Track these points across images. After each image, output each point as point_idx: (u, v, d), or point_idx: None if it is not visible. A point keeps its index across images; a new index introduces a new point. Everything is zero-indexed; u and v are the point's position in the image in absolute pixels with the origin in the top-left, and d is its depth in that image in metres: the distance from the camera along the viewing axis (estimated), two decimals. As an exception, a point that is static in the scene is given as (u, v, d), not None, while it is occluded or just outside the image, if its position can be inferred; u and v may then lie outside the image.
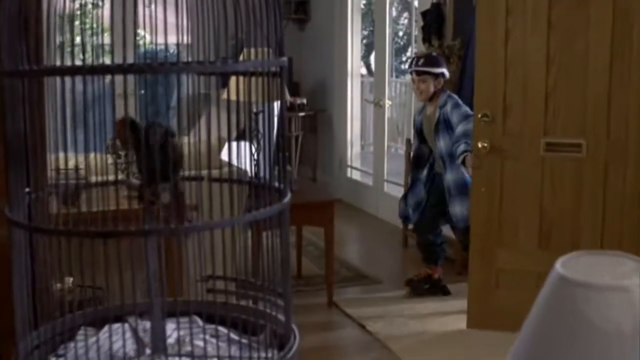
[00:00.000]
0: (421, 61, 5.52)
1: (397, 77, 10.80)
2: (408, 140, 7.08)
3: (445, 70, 5.53)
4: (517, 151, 4.71)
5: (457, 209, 5.42)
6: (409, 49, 13.32)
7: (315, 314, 5.25)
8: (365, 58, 9.49)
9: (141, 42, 2.15)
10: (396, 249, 6.87)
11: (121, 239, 1.70)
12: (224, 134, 1.84)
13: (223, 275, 2.00)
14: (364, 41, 9.33)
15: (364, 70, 9.46)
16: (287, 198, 1.75)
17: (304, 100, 8.71)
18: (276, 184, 1.84)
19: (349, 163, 8.86)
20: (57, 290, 2.21)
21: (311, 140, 9.12)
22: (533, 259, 4.65)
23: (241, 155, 1.82)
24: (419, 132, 5.73)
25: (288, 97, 6.21)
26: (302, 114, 8.70)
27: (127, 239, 1.75)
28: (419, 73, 5.49)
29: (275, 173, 1.86)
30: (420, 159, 5.79)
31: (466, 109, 5.35)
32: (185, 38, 1.77)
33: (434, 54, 5.83)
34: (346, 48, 8.75)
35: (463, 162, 5.20)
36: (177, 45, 1.89)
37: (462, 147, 5.17)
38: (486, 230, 4.81)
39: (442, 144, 5.42)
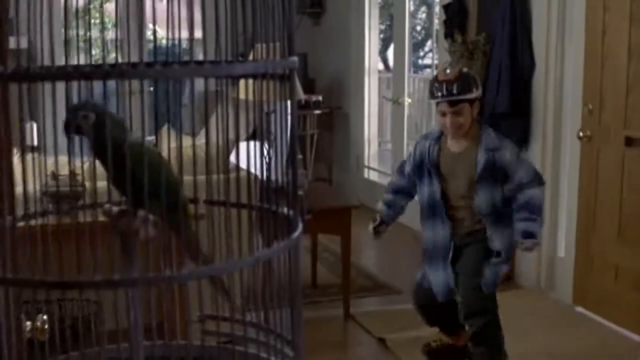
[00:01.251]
0: (454, 87, 3.78)
1: (415, 72, 10.47)
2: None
3: (480, 92, 3.91)
4: (605, 143, 4.92)
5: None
6: (427, 44, 13.02)
7: (331, 328, 4.91)
8: (381, 53, 9.15)
9: (152, 37, 1.86)
10: (416, 255, 6.50)
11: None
12: (234, 135, 1.52)
13: (220, 316, 1.68)
14: (381, 36, 9.00)
15: (381, 66, 9.14)
16: (299, 231, 1.41)
17: (320, 98, 8.36)
18: (285, 210, 1.51)
19: (366, 163, 8.54)
20: (27, 330, 1.91)
21: (327, 138, 8.79)
22: (612, 250, 4.87)
23: (252, 158, 1.48)
24: (423, 168, 4.02)
25: (302, 95, 5.86)
26: (317, 111, 8.35)
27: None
28: (452, 103, 3.81)
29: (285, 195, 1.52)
30: (395, 208, 4.22)
31: (530, 161, 4.05)
32: (196, 33, 1.49)
33: (464, 70, 3.95)
34: (363, 43, 8.43)
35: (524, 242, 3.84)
36: (191, 41, 1.58)
37: (532, 227, 3.80)
38: (586, 219, 5.08)
39: (483, 198, 3.85)
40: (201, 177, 1.56)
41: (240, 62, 1.37)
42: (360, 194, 8.10)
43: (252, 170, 1.45)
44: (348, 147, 8.72)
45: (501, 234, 3.91)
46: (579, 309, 5.08)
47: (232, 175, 1.60)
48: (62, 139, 1.46)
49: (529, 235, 3.79)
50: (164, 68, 1.20)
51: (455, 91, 3.79)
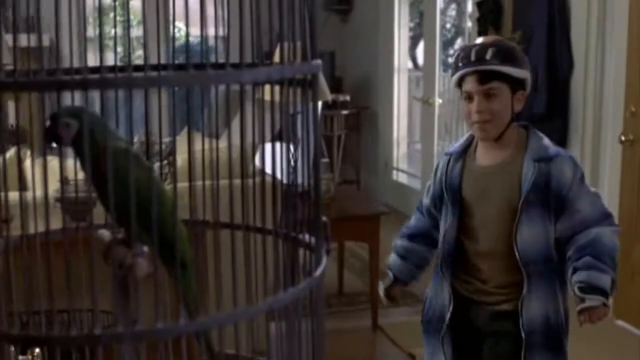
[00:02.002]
0: (489, 52, 2.54)
1: (445, 71, 10.22)
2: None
3: (528, 76, 2.66)
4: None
5: None
6: (457, 42, 12.74)
7: (358, 340, 4.69)
8: (410, 51, 8.91)
9: (178, 35, 1.65)
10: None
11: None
12: (258, 137, 1.30)
13: None
14: (410, 33, 8.77)
15: (410, 64, 8.90)
16: (322, 266, 1.19)
17: (347, 97, 8.14)
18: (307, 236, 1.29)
19: (394, 165, 8.29)
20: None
21: (354, 139, 8.56)
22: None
23: (276, 161, 1.26)
24: (443, 197, 2.77)
25: (329, 96, 5.63)
26: (344, 111, 8.12)
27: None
28: (484, 77, 2.57)
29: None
30: (420, 261, 2.93)
31: (597, 192, 2.73)
32: (221, 30, 1.32)
33: (510, 44, 2.73)
34: (392, 41, 8.19)
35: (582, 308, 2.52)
36: (216, 38, 1.38)
37: (598, 279, 2.50)
38: (627, 227, 4.62)
39: (530, 235, 2.57)
40: (224, 182, 1.34)
41: (265, 66, 1.15)
42: (388, 197, 7.87)
43: (277, 173, 1.22)
44: (376, 149, 8.48)
45: (548, 300, 2.61)
46: (620, 322, 4.82)
47: (250, 180, 1.37)
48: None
49: (593, 289, 2.48)
50: (178, 74, 0.99)
51: (489, 56, 2.52)
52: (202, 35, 1.30)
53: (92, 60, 1.38)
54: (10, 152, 3.62)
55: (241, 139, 1.15)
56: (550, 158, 2.60)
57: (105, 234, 1.34)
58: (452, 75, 2.66)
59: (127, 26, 1.43)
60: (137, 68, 1.46)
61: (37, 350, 1.75)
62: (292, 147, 1.24)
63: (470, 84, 2.60)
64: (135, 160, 1.21)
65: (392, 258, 2.92)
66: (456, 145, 2.83)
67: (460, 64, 2.61)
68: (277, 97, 1.20)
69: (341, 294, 5.41)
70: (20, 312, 1.28)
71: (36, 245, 1.32)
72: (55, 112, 1.18)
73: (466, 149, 2.76)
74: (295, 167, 1.25)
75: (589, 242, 2.53)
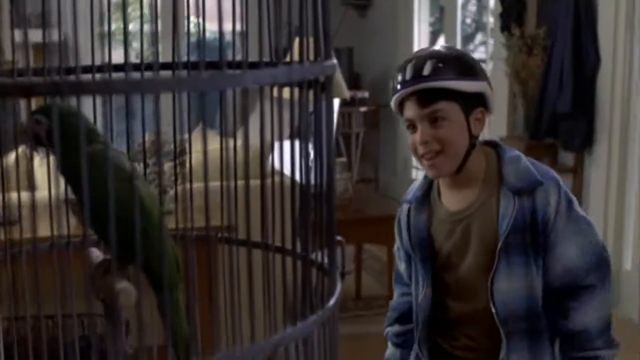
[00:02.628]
0: (428, 66, 2.00)
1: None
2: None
3: (487, 89, 2.08)
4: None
5: None
6: (477, 37, 12.54)
7: (375, 346, 4.52)
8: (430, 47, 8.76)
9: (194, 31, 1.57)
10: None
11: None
12: (275, 136, 1.16)
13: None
14: (430, 29, 8.60)
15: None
16: (336, 295, 1.04)
17: (366, 94, 7.98)
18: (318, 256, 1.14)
19: (413, 163, 8.12)
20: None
21: (373, 137, 8.40)
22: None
23: (293, 160, 1.11)
24: (412, 255, 2.23)
25: (347, 93, 5.47)
26: (363, 108, 7.96)
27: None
28: (424, 98, 2.02)
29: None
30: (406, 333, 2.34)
31: (588, 220, 2.13)
32: (238, 26, 1.23)
33: (455, 48, 2.24)
34: (411, 36, 8.04)
35: None
36: (233, 33, 1.27)
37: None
38: None
39: (508, 286, 2.07)
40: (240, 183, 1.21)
41: (284, 66, 1.01)
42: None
43: (292, 173, 1.07)
44: (395, 146, 8.32)
45: None
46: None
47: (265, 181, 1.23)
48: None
49: None
50: (191, 77, 0.85)
51: (427, 71, 1.99)
52: (220, 31, 1.17)
53: (100, 59, 1.28)
54: (20, 151, 3.49)
55: (261, 140, 1.00)
56: (532, 188, 2.04)
57: (95, 253, 1.20)
58: (391, 96, 2.09)
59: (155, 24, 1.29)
60: (149, 67, 1.34)
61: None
62: (308, 149, 1.10)
63: (410, 110, 2.04)
64: (114, 163, 1.08)
65: (390, 351, 2.39)
66: (414, 188, 2.23)
67: (396, 86, 2.06)
68: (295, 97, 1.06)
69: (359, 298, 5.26)
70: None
71: (38, 253, 1.19)
72: (35, 109, 1.06)
73: (428, 193, 2.19)
74: (311, 168, 1.11)
75: (577, 333, 2.06)
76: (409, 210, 2.20)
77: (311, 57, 1.08)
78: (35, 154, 1.18)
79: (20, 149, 1.55)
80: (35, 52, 1.56)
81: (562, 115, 5.06)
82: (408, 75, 2.02)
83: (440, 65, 2.00)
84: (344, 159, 5.29)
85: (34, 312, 1.26)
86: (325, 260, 1.13)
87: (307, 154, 1.10)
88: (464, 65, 2.03)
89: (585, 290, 2.06)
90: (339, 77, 5.42)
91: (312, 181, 1.08)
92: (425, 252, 2.16)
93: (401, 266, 2.32)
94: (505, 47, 5.74)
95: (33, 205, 1.14)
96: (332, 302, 1.01)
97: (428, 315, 2.18)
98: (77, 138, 0.95)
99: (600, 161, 4.99)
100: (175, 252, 1.18)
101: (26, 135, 1.09)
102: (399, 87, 2.04)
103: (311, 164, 1.09)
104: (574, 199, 2.11)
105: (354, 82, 8.19)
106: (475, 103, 2.06)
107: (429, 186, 2.20)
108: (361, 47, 8.59)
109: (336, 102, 5.18)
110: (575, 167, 5.26)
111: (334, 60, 1.09)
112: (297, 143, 1.07)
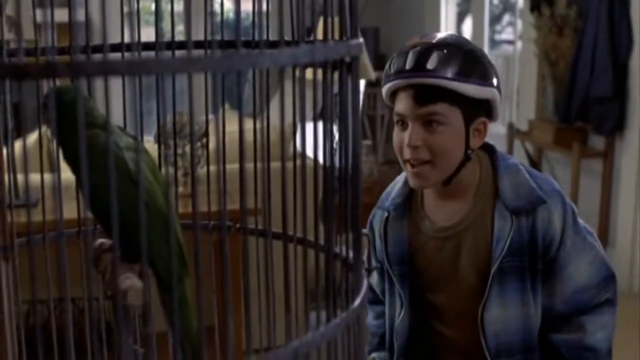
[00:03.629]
0: (433, 57, 1.70)
1: (492, 48, 9.90)
2: (510, 126, 6.17)
3: (496, 96, 1.77)
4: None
5: None
6: (505, 17, 12.36)
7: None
8: (457, 27, 8.62)
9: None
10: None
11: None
12: (298, 117, 1.08)
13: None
14: (457, 9, 8.48)
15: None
16: (362, 294, 0.96)
17: (391, 75, 7.86)
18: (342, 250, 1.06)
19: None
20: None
21: (398, 118, 8.29)
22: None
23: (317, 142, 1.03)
24: (388, 269, 1.92)
25: (372, 74, 5.37)
26: (388, 89, 7.85)
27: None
28: (421, 95, 1.72)
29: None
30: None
31: (592, 237, 1.89)
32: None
33: (470, 45, 1.78)
34: (438, 16, 7.92)
35: None
36: (254, 13, 1.18)
37: None
38: None
39: (501, 315, 1.81)
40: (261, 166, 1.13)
41: (306, 46, 0.93)
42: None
43: (316, 157, 0.99)
44: (420, 128, 8.21)
45: None
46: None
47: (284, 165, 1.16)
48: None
49: None
50: (206, 57, 0.78)
51: (432, 64, 1.70)
52: (237, 10, 1.09)
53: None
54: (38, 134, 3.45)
55: (281, 123, 0.93)
56: (533, 207, 1.78)
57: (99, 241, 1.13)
58: (382, 87, 1.81)
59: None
60: (167, 46, 1.28)
61: None
62: (332, 132, 1.02)
63: (403, 104, 1.75)
64: (117, 157, 1.01)
65: None
66: (391, 193, 1.91)
67: (390, 72, 1.76)
68: (319, 78, 0.98)
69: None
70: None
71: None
72: (23, 102, 0.99)
73: (409, 201, 1.89)
74: (335, 151, 1.03)
75: (582, 348, 1.84)
76: (386, 219, 1.90)
77: (336, 37, 1.00)
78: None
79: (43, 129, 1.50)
80: (60, 32, 1.49)
81: (595, 99, 4.93)
82: (409, 64, 1.71)
83: (449, 59, 1.71)
84: (369, 142, 5.20)
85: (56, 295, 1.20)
86: (350, 254, 1.06)
87: (332, 138, 1.02)
88: (476, 65, 1.74)
89: (601, 307, 1.86)
90: (365, 58, 5.32)
91: (337, 165, 1.00)
92: (405, 269, 1.88)
93: (372, 280, 2.03)
94: (535, 27, 5.61)
95: (58, 187, 1.08)
96: (357, 302, 0.94)
97: (405, 342, 1.92)
98: (75, 122, 0.88)
99: (632, 145, 4.86)
100: (181, 243, 1.10)
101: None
102: (394, 75, 1.75)
103: (335, 147, 1.01)
104: (575, 208, 1.86)
105: (380, 63, 8.08)
106: (480, 111, 1.77)
107: (410, 193, 1.89)
108: (387, 27, 8.48)
109: (361, 83, 5.08)
110: (606, 151, 5.13)
111: (361, 40, 1.01)
112: (320, 126, 0.99)
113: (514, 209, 1.77)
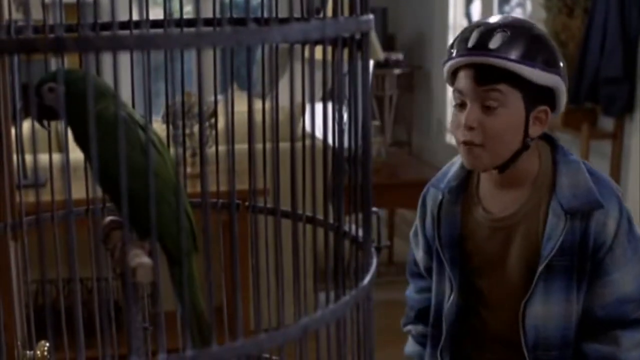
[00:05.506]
0: (497, 38, 1.69)
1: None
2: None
3: (561, 85, 1.74)
4: None
5: None
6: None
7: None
8: (466, 8, 8.56)
9: None
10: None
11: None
12: (307, 97, 1.07)
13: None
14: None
15: (465, 22, 8.55)
16: (371, 272, 0.96)
17: (400, 56, 7.83)
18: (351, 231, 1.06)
19: (448, 127, 8.00)
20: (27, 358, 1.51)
21: (407, 99, 8.26)
22: None
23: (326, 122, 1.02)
24: (432, 252, 1.96)
25: (381, 54, 5.36)
26: (397, 71, 7.82)
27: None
28: (484, 75, 1.71)
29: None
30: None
31: None
32: None
33: (537, 29, 1.77)
34: (448, -4, 7.87)
35: None
36: None
37: None
38: None
39: (543, 311, 1.80)
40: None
41: (316, 21, 0.92)
42: (441, 159, 7.59)
43: (325, 136, 0.98)
44: (429, 109, 8.18)
45: None
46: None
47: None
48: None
49: None
50: (213, 32, 0.77)
51: (495, 44, 1.69)
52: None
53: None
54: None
55: (291, 101, 0.92)
56: (591, 209, 1.74)
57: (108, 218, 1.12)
58: (443, 64, 1.80)
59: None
60: (176, 23, 1.27)
61: (46, 344, 1.56)
62: (342, 110, 1.01)
63: (463, 82, 1.73)
64: (127, 126, 1.00)
65: (414, 349, 2.11)
66: (449, 174, 1.90)
67: (453, 51, 1.76)
68: (329, 56, 0.97)
69: (391, 263, 5.19)
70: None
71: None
72: (39, 80, 0.99)
73: (464, 185, 1.88)
74: (344, 130, 1.02)
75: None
76: (441, 200, 1.88)
77: (346, 13, 0.99)
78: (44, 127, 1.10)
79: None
80: (68, 13, 1.48)
81: (605, 79, 4.90)
82: (471, 42, 1.70)
83: (513, 41, 1.68)
84: (377, 122, 5.19)
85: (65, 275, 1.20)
86: (360, 232, 1.05)
87: (341, 116, 1.01)
88: (542, 50, 1.71)
89: (638, 325, 1.80)
90: (374, 38, 5.30)
91: (346, 145, 0.99)
92: (456, 252, 1.88)
93: (418, 254, 2.03)
94: (545, 7, 5.57)
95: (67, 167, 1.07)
96: (367, 280, 0.93)
97: (454, 324, 1.92)
98: (85, 101, 0.87)
99: (641, 128, 4.85)
100: (190, 217, 1.10)
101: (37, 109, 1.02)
102: (455, 53, 1.74)
103: (345, 126, 1.00)
104: (632, 218, 1.81)
105: (388, 43, 8.04)
106: (543, 99, 1.73)
107: (466, 177, 1.89)
108: (396, 8, 8.43)
109: (370, 63, 5.07)
110: (615, 132, 5.11)
111: (371, 16, 1.00)
112: (329, 105, 0.98)
113: (569, 209, 1.73)
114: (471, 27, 1.74)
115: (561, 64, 1.74)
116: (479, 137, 1.72)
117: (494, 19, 1.76)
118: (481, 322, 1.92)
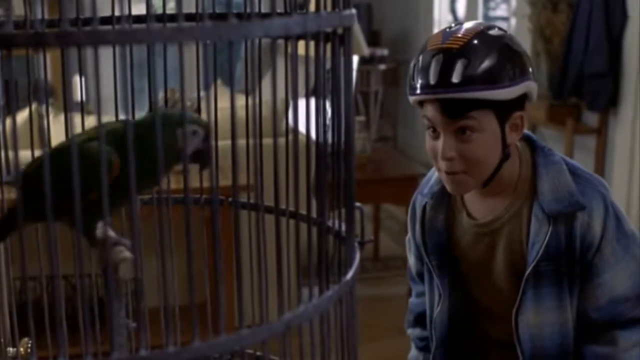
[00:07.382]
0: (457, 69, 1.60)
1: (486, 25, 9.86)
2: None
3: (531, 86, 1.70)
4: None
5: None
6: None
7: (394, 308, 4.48)
8: (451, 3, 8.58)
9: None
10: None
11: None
12: (290, 94, 1.06)
13: None
14: (452, -15, 8.44)
15: (450, 18, 8.56)
16: (354, 267, 0.96)
17: (385, 52, 7.83)
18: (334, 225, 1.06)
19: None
20: (9, 357, 1.50)
21: (392, 95, 8.27)
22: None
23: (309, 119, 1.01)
24: (424, 257, 1.89)
25: (366, 50, 5.36)
26: (382, 66, 7.82)
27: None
28: (450, 109, 1.63)
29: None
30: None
31: (631, 231, 1.79)
32: None
33: (492, 28, 1.69)
34: (432, -8, 7.87)
35: None
36: None
37: None
38: None
39: (536, 318, 1.76)
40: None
41: (298, 16, 0.91)
42: (426, 154, 7.60)
43: (308, 131, 0.98)
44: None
45: None
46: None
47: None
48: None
49: None
50: (192, 27, 0.77)
51: (458, 78, 1.61)
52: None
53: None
54: (34, 109, 3.42)
55: (273, 97, 0.91)
56: (573, 211, 1.70)
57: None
58: (408, 95, 1.72)
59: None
60: (158, 18, 1.28)
61: (29, 340, 1.55)
62: (325, 106, 1.00)
63: (431, 113, 1.66)
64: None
65: (414, 354, 2.08)
66: (432, 180, 1.87)
67: (414, 83, 1.67)
68: (311, 52, 0.97)
69: (377, 259, 5.19)
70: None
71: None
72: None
73: (446, 190, 1.80)
74: (328, 127, 1.02)
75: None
76: (424, 206, 1.86)
77: (329, 9, 0.99)
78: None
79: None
80: (50, 9, 1.47)
81: (589, 75, 4.92)
82: (432, 79, 1.61)
83: (476, 67, 1.60)
84: (362, 118, 5.19)
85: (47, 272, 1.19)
86: (343, 227, 1.05)
87: (325, 112, 1.01)
88: (507, 64, 1.63)
89: (636, 323, 1.77)
90: (358, 34, 5.30)
91: (330, 141, 0.99)
92: (443, 259, 1.85)
93: (410, 259, 2.02)
94: (529, 3, 5.58)
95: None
96: (349, 275, 0.93)
97: (444, 331, 1.89)
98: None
99: (626, 122, 4.86)
100: None
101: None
102: (419, 88, 1.65)
103: (328, 122, 1.00)
104: (623, 214, 1.77)
105: (373, 39, 8.05)
106: (514, 107, 1.68)
107: (444, 197, 1.85)
108: (380, 3, 8.44)
109: (355, 59, 5.06)
110: (600, 127, 5.13)
111: (353, 11, 1.00)
112: (313, 101, 0.98)
113: (551, 213, 1.70)
114: (428, 57, 1.64)
115: (530, 69, 1.70)
116: (460, 165, 1.67)
117: (452, 39, 1.65)
118: (481, 329, 1.90)
